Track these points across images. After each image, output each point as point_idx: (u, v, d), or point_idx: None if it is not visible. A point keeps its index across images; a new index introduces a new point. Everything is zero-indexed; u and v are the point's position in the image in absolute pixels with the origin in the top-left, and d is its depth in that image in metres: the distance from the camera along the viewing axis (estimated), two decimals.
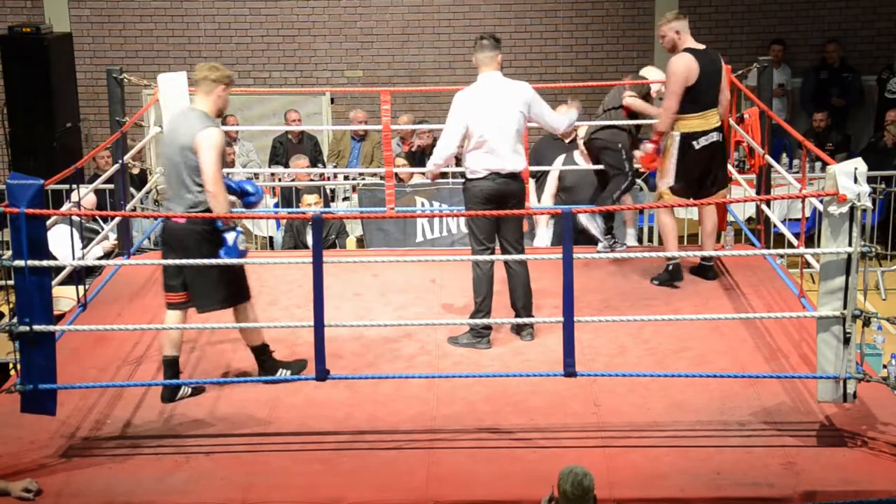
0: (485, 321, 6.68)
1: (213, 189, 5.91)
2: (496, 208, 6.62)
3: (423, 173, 10.57)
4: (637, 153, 7.97)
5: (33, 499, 5.14)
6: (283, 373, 6.23)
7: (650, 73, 8.42)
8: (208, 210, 5.95)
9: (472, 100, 6.74)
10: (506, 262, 6.82)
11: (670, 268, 7.67)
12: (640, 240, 9.80)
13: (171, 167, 6.09)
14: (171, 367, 6.17)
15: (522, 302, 6.84)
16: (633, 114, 8.21)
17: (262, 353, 6.27)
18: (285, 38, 13.61)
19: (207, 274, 6.02)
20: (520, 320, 6.76)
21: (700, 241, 7.91)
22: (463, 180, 6.86)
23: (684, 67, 7.35)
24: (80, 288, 7.30)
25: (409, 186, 10.15)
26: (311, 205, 9.46)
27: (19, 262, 5.27)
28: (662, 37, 7.56)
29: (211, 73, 6.07)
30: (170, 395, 6.08)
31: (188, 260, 5.84)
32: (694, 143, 7.44)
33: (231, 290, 6.12)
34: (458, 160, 7.19)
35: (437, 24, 13.62)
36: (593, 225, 8.24)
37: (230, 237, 5.92)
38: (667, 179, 7.53)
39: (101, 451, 5.57)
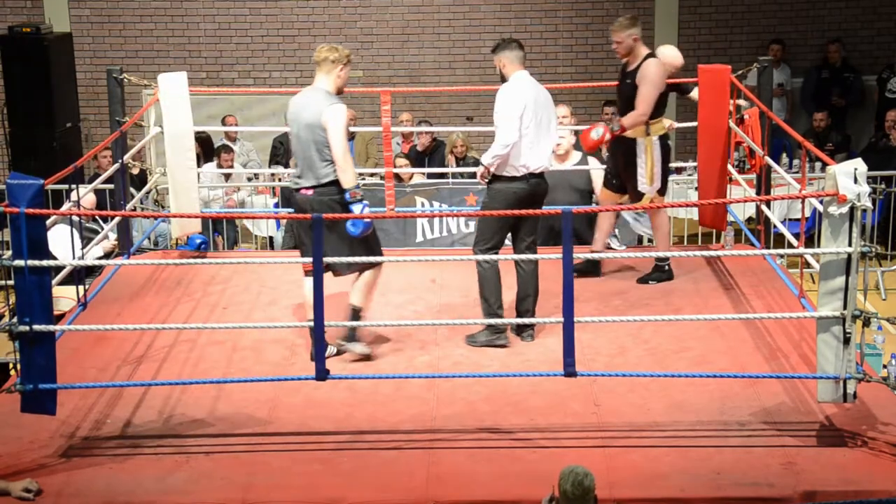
0: (498, 321, 6.65)
1: (341, 164, 6.27)
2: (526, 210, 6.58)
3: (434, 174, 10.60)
4: (593, 133, 7.60)
5: (33, 499, 5.14)
6: (354, 346, 6.49)
7: (668, 50, 8.33)
8: (337, 183, 6.29)
9: (523, 95, 6.67)
10: (517, 263, 6.80)
11: (666, 267, 7.77)
12: (639, 240, 9.79)
13: (297, 144, 6.45)
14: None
15: (532, 305, 6.82)
16: None
17: (354, 317, 6.43)
18: (285, 38, 13.61)
19: (341, 240, 6.26)
20: (521, 320, 6.75)
21: (596, 237, 7.92)
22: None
23: (663, 76, 7.50)
24: (80, 288, 7.29)
25: (409, 186, 10.15)
26: None
27: (19, 262, 5.27)
28: (619, 43, 7.57)
29: (331, 55, 6.38)
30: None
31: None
32: (668, 143, 7.72)
33: (364, 256, 6.27)
34: (477, 161, 7.17)
35: (437, 24, 13.63)
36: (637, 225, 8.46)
37: (357, 208, 6.26)
38: (655, 184, 7.65)
39: (101, 451, 5.56)
